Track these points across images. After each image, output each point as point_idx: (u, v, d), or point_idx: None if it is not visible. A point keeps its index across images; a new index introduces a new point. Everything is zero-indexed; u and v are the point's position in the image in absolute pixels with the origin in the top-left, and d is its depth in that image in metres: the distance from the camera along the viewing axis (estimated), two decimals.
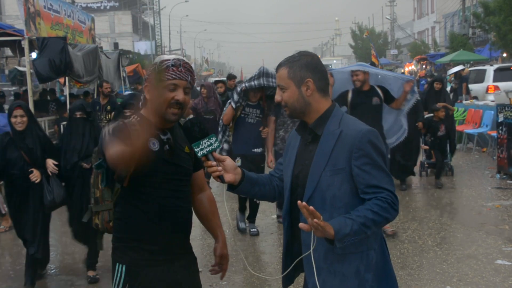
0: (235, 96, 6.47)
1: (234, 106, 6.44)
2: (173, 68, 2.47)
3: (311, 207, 2.14)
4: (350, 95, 6.34)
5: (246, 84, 6.45)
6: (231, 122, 6.55)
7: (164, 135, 2.57)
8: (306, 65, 2.41)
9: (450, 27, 42.65)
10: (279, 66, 2.48)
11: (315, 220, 2.15)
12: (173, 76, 2.47)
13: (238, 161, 6.31)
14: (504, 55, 25.78)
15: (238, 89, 6.51)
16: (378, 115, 6.28)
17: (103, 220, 2.65)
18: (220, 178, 2.43)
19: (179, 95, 2.48)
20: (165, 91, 2.47)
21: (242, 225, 6.79)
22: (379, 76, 6.65)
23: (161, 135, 2.56)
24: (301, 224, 2.22)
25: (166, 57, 2.53)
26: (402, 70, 35.71)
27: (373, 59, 21.78)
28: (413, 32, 55.58)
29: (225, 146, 6.64)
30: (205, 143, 2.39)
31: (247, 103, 6.48)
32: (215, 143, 2.40)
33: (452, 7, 41.10)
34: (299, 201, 2.19)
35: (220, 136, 6.64)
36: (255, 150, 6.51)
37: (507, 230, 6.47)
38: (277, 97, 2.48)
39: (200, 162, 2.76)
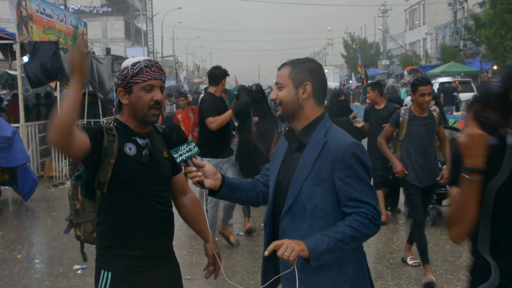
0: None
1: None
2: (146, 69, 2.50)
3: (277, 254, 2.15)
4: None
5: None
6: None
7: (142, 139, 2.57)
8: (309, 70, 2.42)
9: (441, 39, 43.01)
10: (283, 65, 2.49)
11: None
12: (149, 77, 2.49)
13: None
14: (495, 67, 25.99)
15: None
16: None
17: (86, 232, 2.64)
18: (200, 184, 2.42)
19: (157, 95, 2.51)
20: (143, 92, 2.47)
21: None
22: None
23: (138, 140, 2.55)
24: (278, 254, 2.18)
25: (134, 60, 2.54)
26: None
27: (359, 69, 23.99)
28: (404, 43, 55.99)
29: None
30: (184, 149, 2.40)
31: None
32: (194, 148, 2.42)
33: (444, 19, 41.49)
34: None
35: None
36: None
37: None
38: (273, 95, 2.47)
39: (179, 165, 2.76)
